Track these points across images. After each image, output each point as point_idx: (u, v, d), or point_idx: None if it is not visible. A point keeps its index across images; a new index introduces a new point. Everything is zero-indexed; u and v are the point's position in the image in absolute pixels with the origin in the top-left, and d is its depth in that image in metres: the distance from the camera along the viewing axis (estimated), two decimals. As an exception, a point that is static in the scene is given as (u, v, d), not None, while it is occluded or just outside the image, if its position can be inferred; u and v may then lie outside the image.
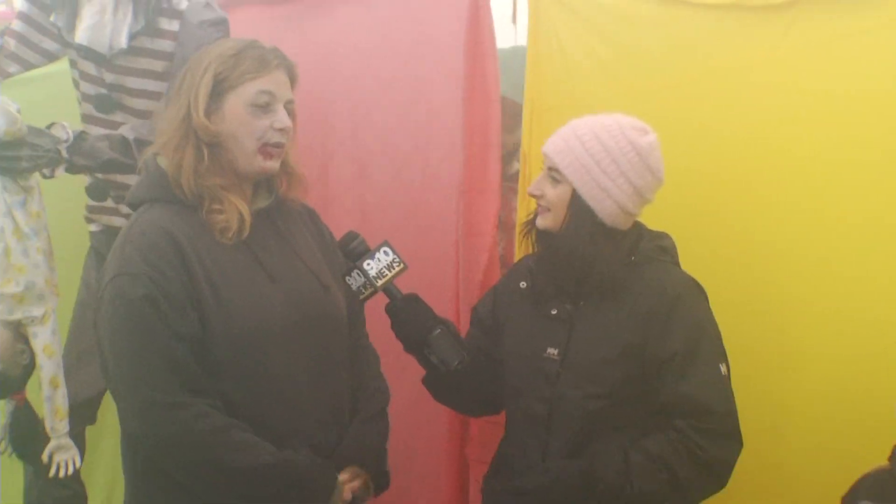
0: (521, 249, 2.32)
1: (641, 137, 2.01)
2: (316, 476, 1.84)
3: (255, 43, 1.90)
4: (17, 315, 2.10)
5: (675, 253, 2.10)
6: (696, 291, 2.03)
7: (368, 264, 2.07)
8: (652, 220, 2.13)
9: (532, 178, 2.30)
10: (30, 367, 2.15)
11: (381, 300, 2.12)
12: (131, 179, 2.31)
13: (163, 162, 1.88)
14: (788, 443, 2.34)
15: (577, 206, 2.01)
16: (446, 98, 2.62)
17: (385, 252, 2.09)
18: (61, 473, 2.18)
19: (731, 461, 1.94)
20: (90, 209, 2.59)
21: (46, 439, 2.16)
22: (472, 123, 2.58)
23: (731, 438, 1.94)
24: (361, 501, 1.96)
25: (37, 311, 2.12)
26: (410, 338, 2.11)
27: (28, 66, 2.52)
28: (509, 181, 2.79)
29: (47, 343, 2.13)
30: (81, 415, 2.46)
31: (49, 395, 2.14)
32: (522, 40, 2.73)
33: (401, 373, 2.24)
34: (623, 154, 1.98)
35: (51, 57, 2.53)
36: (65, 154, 2.20)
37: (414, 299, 2.12)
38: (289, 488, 1.79)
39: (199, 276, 1.78)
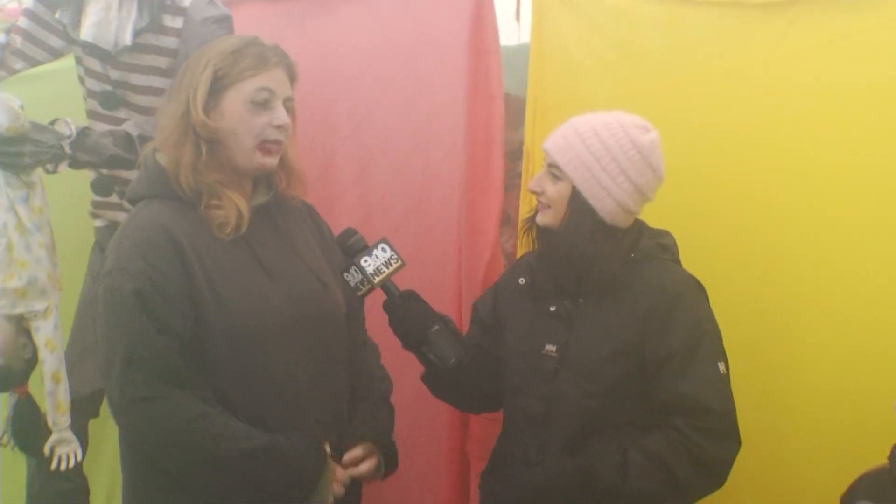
0: (522, 246, 2.32)
1: (642, 135, 1.99)
2: (301, 456, 1.79)
3: (256, 40, 1.90)
4: (20, 309, 2.10)
5: (676, 250, 2.09)
6: (697, 290, 2.02)
7: (366, 261, 2.06)
8: (653, 218, 2.12)
9: (534, 174, 2.29)
10: (32, 361, 2.15)
11: (382, 297, 2.11)
12: (135, 175, 2.32)
13: (162, 158, 1.88)
14: (788, 442, 2.34)
15: (578, 203, 2.00)
16: (447, 98, 2.62)
17: (383, 249, 2.08)
18: (62, 466, 2.18)
19: (729, 460, 1.93)
20: (95, 205, 2.60)
21: (48, 432, 2.17)
22: (475, 120, 2.58)
23: (729, 438, 1.93)
24: (367, 481, 1.95)
25: (39, 306, 2.12)
26: (408, 335, 2.11)
27: (34, 62, 2.54)
28: (518, 178, 2.78)
29: (49, 337, 2.14)
30: (84, 409, 2.46)
31: (51, 390, 2.15)
32: (526, 38, 2.73)
33: (401, 369, 2.23)
34: (624, 152, 1.97)
35: (56, 54, 2.55)
36: (68, 150, 2.20)
37: (412, 296, 2.11)
38: (273, 471, 1.75)
39: (197, 273, 1.78)
